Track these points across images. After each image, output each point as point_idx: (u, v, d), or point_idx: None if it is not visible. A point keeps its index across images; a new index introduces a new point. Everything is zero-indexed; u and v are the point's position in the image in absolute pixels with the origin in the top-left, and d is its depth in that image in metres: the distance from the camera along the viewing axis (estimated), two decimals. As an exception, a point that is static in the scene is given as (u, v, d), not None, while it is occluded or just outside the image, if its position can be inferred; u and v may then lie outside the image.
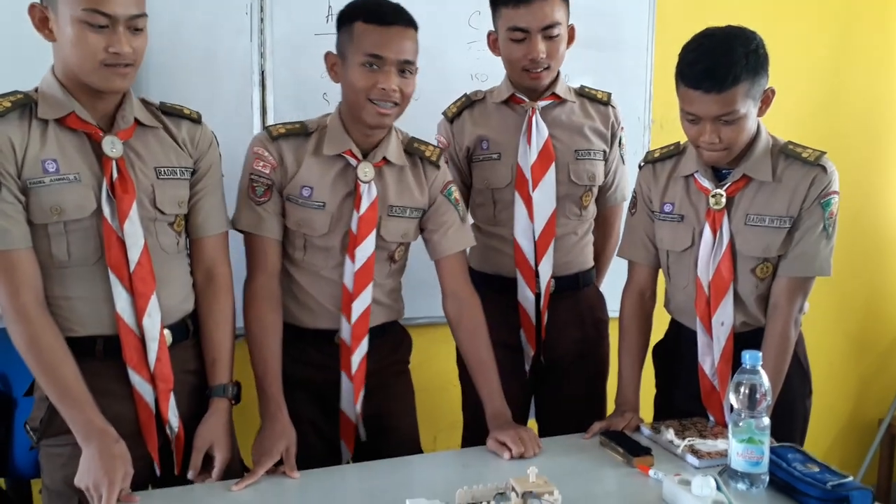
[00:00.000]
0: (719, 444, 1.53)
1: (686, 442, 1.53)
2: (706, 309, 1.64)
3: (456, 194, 1.72)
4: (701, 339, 1.66)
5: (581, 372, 1.93)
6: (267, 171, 1.58)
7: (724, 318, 1.63)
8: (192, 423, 1.46)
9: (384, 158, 1.61)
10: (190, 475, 1.41)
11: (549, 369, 1.92)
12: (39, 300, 1.32)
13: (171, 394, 1.42)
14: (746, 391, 1.33)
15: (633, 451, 1.49)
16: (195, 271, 1.54)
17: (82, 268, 1.36)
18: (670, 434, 1.57)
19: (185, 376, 1.49)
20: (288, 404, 1.54)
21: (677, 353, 1.77)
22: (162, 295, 1.41)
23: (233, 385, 1.51)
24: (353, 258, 1.59)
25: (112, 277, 1.36)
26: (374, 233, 1.60)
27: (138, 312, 1.38)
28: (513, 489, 1.24)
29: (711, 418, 1.69)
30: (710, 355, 1.66)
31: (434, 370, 2.13)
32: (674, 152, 1.72)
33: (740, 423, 1.34)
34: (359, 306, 1.60)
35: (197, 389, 1.51)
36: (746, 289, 1.63)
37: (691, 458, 1.49)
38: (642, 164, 1.79)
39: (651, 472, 1.42)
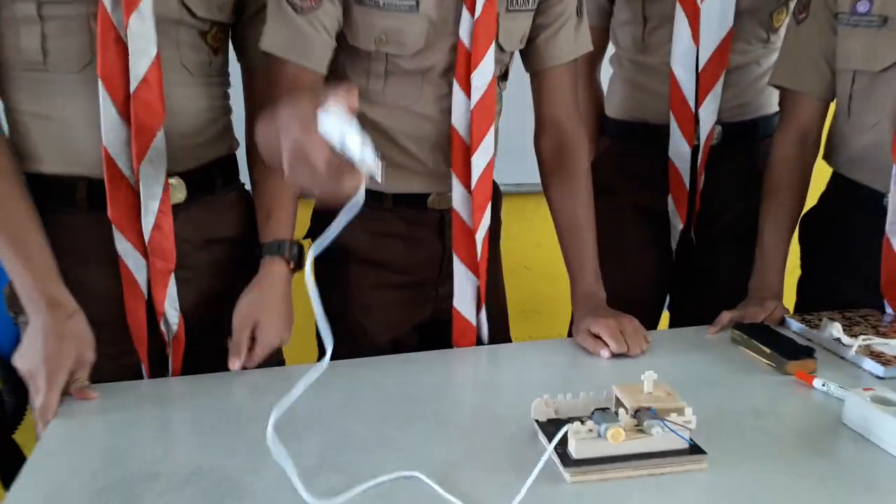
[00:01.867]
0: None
1: (860, 341, 1.09)
2: (904, 156, 1.14)
3: None
4: (893, 200, 1.17)
5: (743, 257, 1.41)
6: None
7: (928, 167, 1.13)
8: (208, 319, 1.10)
9: None
10: (232, 364, 1.03)
11: (701, 249, 1.45)
12: None
13: (172, 277, 1.05)
14: None
15: (787, 351, 1.06)
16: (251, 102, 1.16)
17: (63, 76, 0.98)
18: (835, 329, 1.12)
19: (209, 249, 1.12)
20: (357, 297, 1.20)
21: (845, 222, 1.29)
22: (176, 132, 1.03)
23: (293, 244, 1.11)
24: (466, 87, 1.11)
25: (102, 93, 0.97)
26: (493, 46, 1.10)
27: (135, 151, 0.98)
28: (618, 402, 0.84)
29: (890, 311, 1.23)
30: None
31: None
32: None
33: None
34: (480, 160, 1.14)
35: (226, 268, 1.14)
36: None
37: (871, 365, 1.05)
38: None
39: (817, 383, 0.99)
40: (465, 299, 1.17)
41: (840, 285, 1.32)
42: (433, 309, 1.26)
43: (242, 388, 1.00)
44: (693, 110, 1.33)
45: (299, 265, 1.10)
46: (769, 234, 1.29)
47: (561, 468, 0.77)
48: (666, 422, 0.78)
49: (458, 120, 1.12)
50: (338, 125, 0.65)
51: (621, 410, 0.80)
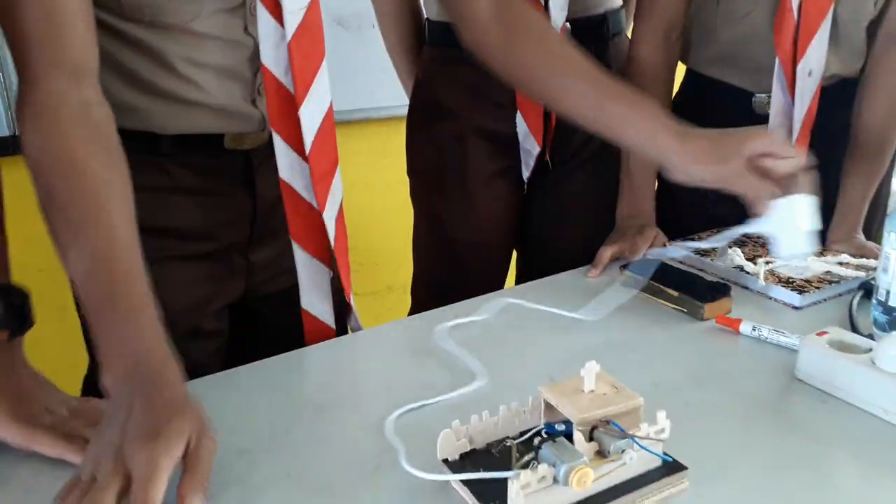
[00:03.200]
0: (822, 265, 0.95)
1: (764, 267, 0.94)
2: (790, 51, 0.98)
3: None
4: (776, 100, 1.02)
5: (599, 179, 1.21)
6: None
7: (814, 63, 0.99)
8: None
9: None
10: None
11: (556, 176, 1.21)
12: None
13: None
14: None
15: (699, 291, 0.88)
16: None
17: None
18: (737, 256, 0.96)
19: None
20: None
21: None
22: None
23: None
24: (274, 9, 0.75)
25: None
26: None
27: None
28: (548, 411, 0.59)
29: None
30: (786, 125, 1.04)
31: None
32: None
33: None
34: (313, 112, 0.80)
35: None
36: (852, 13, 0.99)
37: (784, 294, 0.90)
38: None
39: (745, 328, 0.82)
40: (314, 295, 0.84)
41: (702, 201, 1.18)
42: (247, 284, 0.92)
43: None
44: (543, 3, 1.07)
45: (22, 328, 0.65)
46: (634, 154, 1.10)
47: (505, 541, 0.51)
48: (637, 440, 0.55)
49: (270, 55, 0.76)
50: None
51: (576, 433, 0.55)
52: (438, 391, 0.70)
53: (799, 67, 0.98)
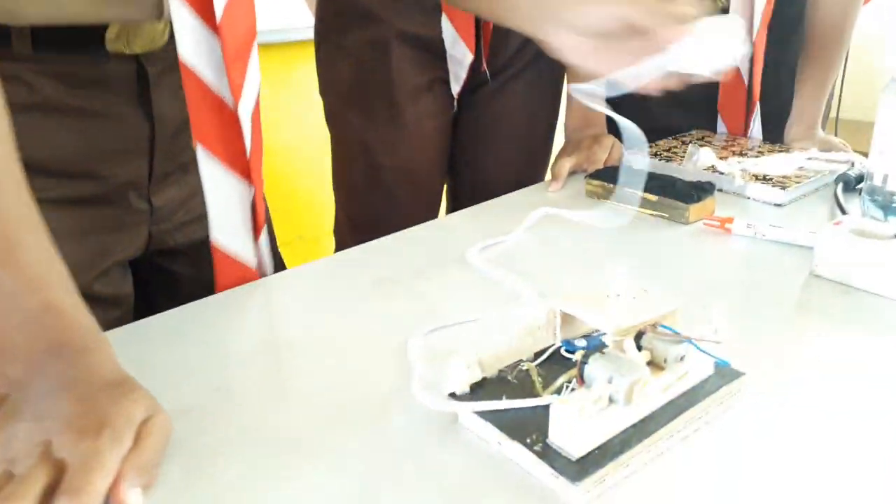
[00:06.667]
0: (792, 161, 0.88)
1: (738, 165, 0.86)
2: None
3: None
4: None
5: (534, 91, 1.08)
6: None
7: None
8: None
9: None
10: None
11: (489, 88, 1.07)
12: None
13: None
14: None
15: (679, 192, 0.78)
16: None
17: None
18: (706, 156, 0.88)
19: None
20: None
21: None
22: None
23: None
24: None
25: None
26: None
27: None
28: (566, 325, 0.48)
29: (723, 129, 1.04)
30: (744, 18, 0.95)
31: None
32: None
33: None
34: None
35: None
36: None
37: (765, 191, 0.82)
38: None
39: (738, 227, 0.73)
40: (228, 222, 0.67)
41: (649, 109, 1.10)
42: (150, 235, 0.74)
43: None
44: None
45: None
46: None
47: (557, 482, 0.39)
48: (695, 342, 0.44)
49: None
50: None
51: (616, 343, 0.44)
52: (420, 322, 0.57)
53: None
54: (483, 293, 0.62)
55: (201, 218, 0.68)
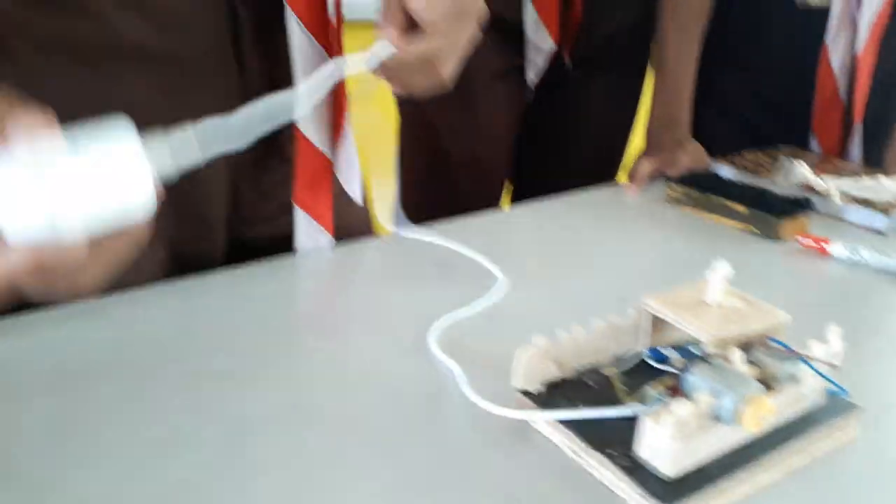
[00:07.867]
0: (889, 185, 0.81)
1: (837, 186, 0.79)
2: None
3: None
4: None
5: (621, 89, 1.04)
6: None
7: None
8: None
9: None
10: None
11: (570, 81, 1.02)
12: None
13: None
14: None
15: (771, 205, 0.72)
16: None
17: None
18: (803, 172, 0.81)
19: None
20: None
21: (746, 33, 0.99)
22: None
23: None
24: None
25: None
26: None
27: None
28: (656, 326, 0.43)
29: (816, 146, 0.97)
30: (846, 29, 0.89)
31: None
32: None
33: None
34: None
35: None
36: None
37: (865, 216, 0.75)
38: None
39: (835, 249, 0.66)
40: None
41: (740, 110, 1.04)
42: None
43: None
44: None
45: None
46: (673, 50, 0.94)
47: (644, 502, 0.34)
48: (809, 362, 0.38)
49: None
50: None
51: (708, 351, 0.38)
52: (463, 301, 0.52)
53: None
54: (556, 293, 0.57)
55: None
